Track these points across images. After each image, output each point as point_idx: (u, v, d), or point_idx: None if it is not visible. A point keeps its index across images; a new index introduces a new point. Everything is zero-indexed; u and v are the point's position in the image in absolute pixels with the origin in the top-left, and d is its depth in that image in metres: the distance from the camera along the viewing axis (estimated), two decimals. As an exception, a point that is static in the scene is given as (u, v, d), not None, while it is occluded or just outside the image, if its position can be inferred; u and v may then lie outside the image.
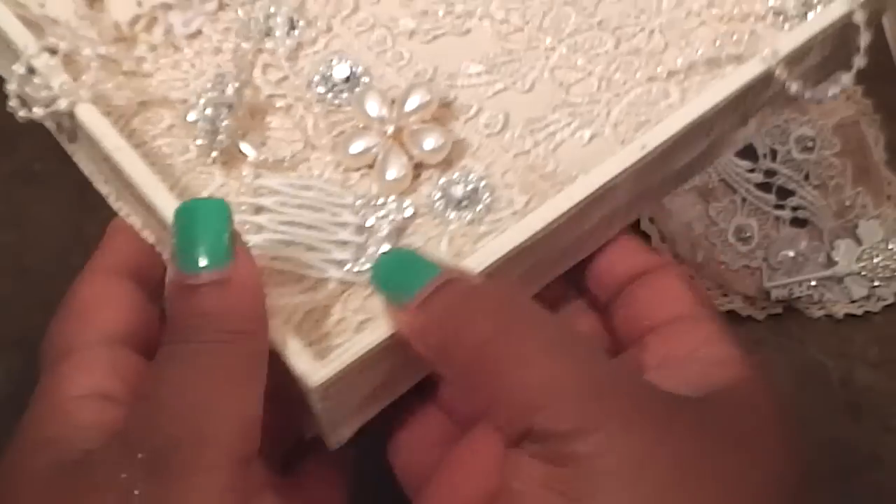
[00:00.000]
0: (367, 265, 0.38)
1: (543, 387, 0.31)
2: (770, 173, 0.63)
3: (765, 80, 0.41)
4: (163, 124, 0.41)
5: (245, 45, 0.43)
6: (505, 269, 0.37)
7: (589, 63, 0.44)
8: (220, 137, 0.39)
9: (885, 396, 0.58)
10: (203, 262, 0.33)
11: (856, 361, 0.60)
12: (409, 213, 0.39)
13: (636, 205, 0.42)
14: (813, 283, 0.60)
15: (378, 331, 0.34)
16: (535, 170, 0.41)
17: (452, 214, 0.40)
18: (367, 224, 0.39)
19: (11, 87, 0.39)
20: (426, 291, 0.33)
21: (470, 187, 0.40)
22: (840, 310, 0.61)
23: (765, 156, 0.63)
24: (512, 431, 0.32)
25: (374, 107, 0.41)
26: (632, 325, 0.39)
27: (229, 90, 0.39)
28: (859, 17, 0.43)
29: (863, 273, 0.60)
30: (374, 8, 0.45)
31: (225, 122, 0.39)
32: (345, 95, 0.42)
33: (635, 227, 0.58)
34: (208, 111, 0.39)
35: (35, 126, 0.54)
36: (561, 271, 0.41)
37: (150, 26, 0.43)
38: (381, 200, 0.39)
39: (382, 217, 0.39)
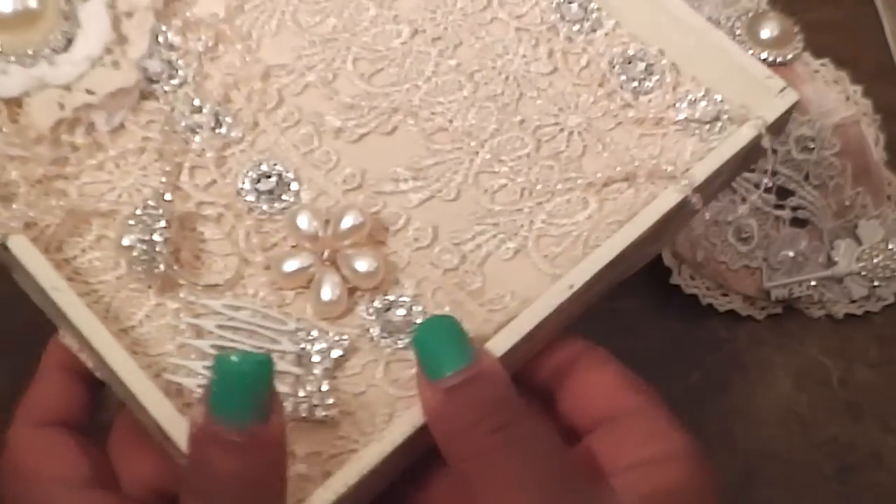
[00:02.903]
0: (304, 396, 0.38)
1: None
2: (770, 173, 0.62)
3: (680, 205, 0.42)
4: (91, 235, 0.41)
5: (170, 147, 0.42)
6: None
7: (511, 169, 0.44)
8: (159, 269, 0.38)
9: (885, 396, 0.59)
10: (239, 416, 0.32)
11: (856, 361, 0.60)
12: (345, 345, 0.39)
13: (556, 331, 0.41)
14: (813, 283, 0.61)
15: (367, 459, 0.35)
16: (463, 287, 0.41)
17: (386, 341, 0.40)
18: (307, 355, 0.39)
19: None
20: (456, 379, 0.34)
21: (405, 313, 0.40)
22: (840, 310, 0.61)
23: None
24: None
25: (305, 224, 0.40)
26: (575, 420, 0.40)
27: (161, 222, 0.39)
28: (766, 143, 0.44)
29: (863, 273, 0.61)
30: (297, 100, 0.45)
31: (161, 252, 0.38)
32: (277, 206, 0.42)
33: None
34: (143, 240, 0.38)
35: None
36: None
37: (72, 127, 0.41)
38: (314, 333, 0.39)
39: (321, 350, 0.39)
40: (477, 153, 0.44)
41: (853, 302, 0.61)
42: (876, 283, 0.61)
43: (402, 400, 0.39)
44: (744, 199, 0.61)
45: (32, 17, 0.39)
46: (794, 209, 0.62)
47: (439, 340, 0.36)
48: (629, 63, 0.47)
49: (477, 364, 0.35)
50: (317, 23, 0.46)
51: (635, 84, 0.47)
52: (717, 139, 0.45)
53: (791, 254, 0.61)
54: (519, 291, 0.41)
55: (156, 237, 0.38)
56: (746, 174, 0.62)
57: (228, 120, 0.43)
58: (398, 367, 0.39)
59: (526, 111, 0.45)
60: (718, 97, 0.45)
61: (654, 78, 0.46)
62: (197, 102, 0.42)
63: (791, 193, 0.62)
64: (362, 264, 0.40)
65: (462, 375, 0.34)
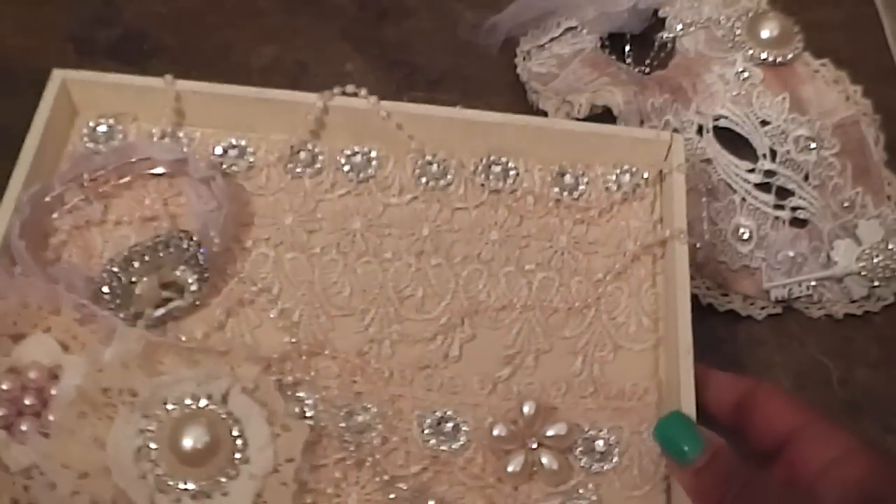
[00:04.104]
0: None
1: None
2: (769, 174, 0.63)
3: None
4: None
5: (360, 454, 0.49)
6: None
7: (560, 300, 0.54)
8: None
9: (885, 396, 0.59)
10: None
11: (856, 361, 0.60)
12: (593, 489, 0.49)
13: None
14: (813, 283, 0.61)
15: None
16: (610, 398, 0.51)
17: (606, 468, 0.50)
18: None
19: None
20: (700, 462, 0.45)
21: (601, 442, 0.50)
22: (840, 310, 0.62)
23: (764, 156, 0.63)
24: None
25: (500, 431, 0.49)
26: (764, 444, 0.48)
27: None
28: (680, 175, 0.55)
29: (863, 273, 0.61)
30: (399, 358, 0.52)
31: None
32: (462, 438, 0.50)
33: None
34: None
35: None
36: None
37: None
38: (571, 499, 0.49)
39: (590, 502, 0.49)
40: (533, 308, 0.54)
41: (853, 302, 0.62)
42: (876, 283, 0.61)
43: (649, 494, 0.49)
44: (743, 200, 0.63)
45: (212, 445, 0.45)
46: (794, 209, 0.63)
47: (676, 434, 0.46)
48: (561, 179, 0.57)
49: (710, 445, 0.45)
50: (347, 295, 0.53)
51: (576, 193, 0.57)
52: (651, 193, 0.57)
53: (791, 254, 0.62)
54: (642, 372, 0.52)
55: None
56: (745, 175, 0.62)
57: (374, 408, 0.50)
58: (627, 477, 0.49)
59: (530, 257, 0.55)
60: (633, 167, 0.57)
61: (584, 180, 0.57)
62: (342, 412, 0.49)
63: (790, 193, 0.63)
64: (557, 430, 0.49)
65: (704, 458, 0.45)
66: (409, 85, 0.69)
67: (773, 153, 0.63)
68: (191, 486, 0.45)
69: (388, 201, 0.56)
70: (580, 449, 0.50)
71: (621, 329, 0.53)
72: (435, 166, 0.57)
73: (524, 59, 0.70)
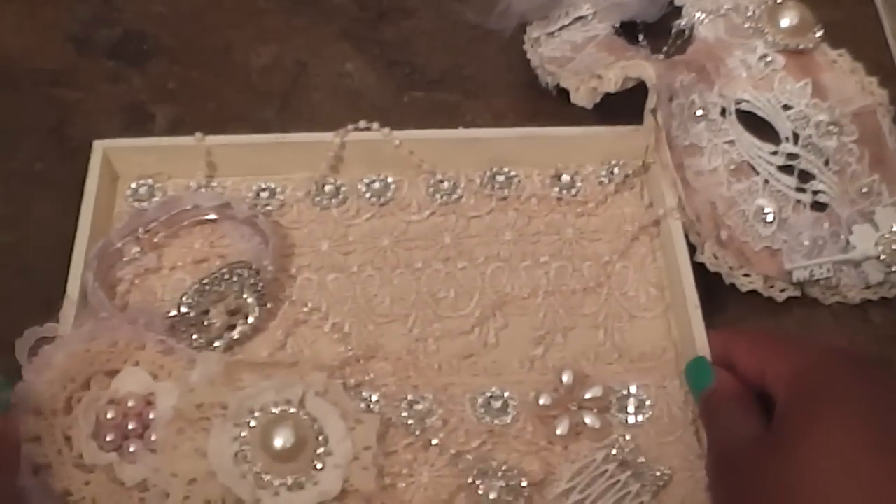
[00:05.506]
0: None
1: None
2: (792, 156, 0.64)
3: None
4: None
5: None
6: None
7: (579, 284, 0.61)
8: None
9: None
10: None
11: None
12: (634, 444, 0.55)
13: None
14: (832, 265, 0.61)
15: None
16: (634, 362, 0.58)
17: (640, 418, 0.56)
18: (636, 466, 0.55)
19: None
20: (705, 394, 0.53)
21: (633, 398, 0.57)
22: (856, 295, 0.62)
23: (787, 139, 0.65)
24: None
25: (546, 400, 0.55)
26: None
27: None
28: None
29: (881, 258, 0.61)
30: (442, 353, 0.59)
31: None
32: (512, 411, 0.56)
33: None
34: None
35: (36, 126, 0.64)
36: None
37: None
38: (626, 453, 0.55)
39: (646, 474, 0.54)
40: (553, 293, 0.60)
41: (868, 287, 0.62)
42: (893, 269, 0.61)
43: (681, 437, 0.55)
44: (766, 182, 0.64)
45: (299, 443, 0.51)
46: (815, 193, 0.63)
47: (695, 370, 0.54)
48: (558, 180, 0.64)
49: (715, 381, 0.53)
50: (388, 304, 0.60)
51: (573, 190, 0.64)
52: (639, 182, 0.64)
53: (812, 236, 0.62)
54: (657, 335, 0.59)
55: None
56: (768, 157, 0.64)
57: (430, 396, 0.56)
58: (659, 425, 0.56)
59: (543, 250, 0.62)
60: (620, 161, 0.65)
61: (578, 179, 0.65)
62: (403, 403, 0.56)
63: (812, 177, 0.64)
64: (594, 393, 0.56)
65: (709, 390, 0.53)
66: (410, 85, 0.71)
67: (796, 136, 0.64)
68: (286, 479, 0.51)
69: (409, 219, 0.63)
70: (615, 407, 0.56)
71: (633, 301, 0.60)
72: (446, 183, 0.64)
73: (532, 45, 0.70)
